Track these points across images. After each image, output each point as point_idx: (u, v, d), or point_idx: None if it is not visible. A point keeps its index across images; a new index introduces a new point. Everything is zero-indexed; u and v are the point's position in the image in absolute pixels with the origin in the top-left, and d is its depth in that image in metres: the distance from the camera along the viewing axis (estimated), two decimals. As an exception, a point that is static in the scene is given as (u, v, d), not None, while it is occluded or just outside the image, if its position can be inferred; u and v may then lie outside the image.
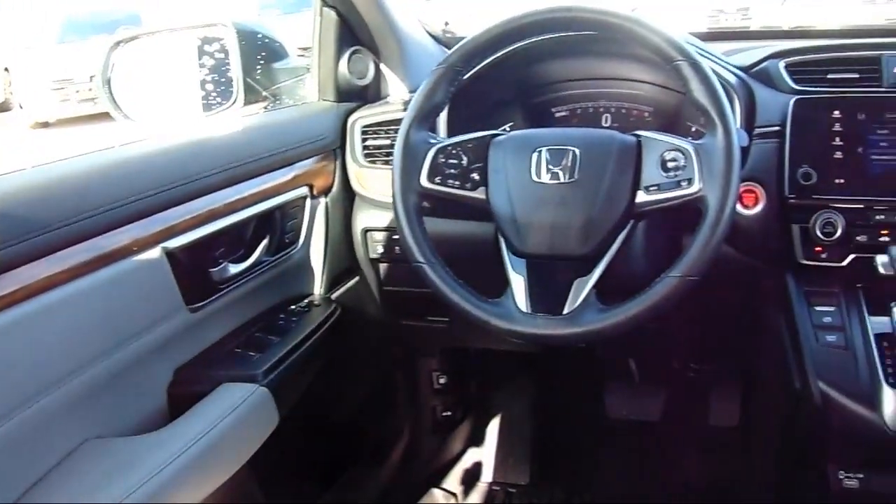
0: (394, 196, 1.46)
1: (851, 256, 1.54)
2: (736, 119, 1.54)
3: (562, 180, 1.38)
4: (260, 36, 2.22)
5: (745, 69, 1.72)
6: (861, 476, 1.62)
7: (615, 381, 2.54)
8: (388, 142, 1.81)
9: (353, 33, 1.91)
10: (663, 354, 2.25)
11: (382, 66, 1.96)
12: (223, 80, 1.82)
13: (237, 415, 1.45)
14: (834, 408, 1.48)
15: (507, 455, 2.52)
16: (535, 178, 1.39)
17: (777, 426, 1.94)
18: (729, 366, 2.31)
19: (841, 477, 1.63)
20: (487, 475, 2.51)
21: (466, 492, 2.45)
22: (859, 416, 1.45)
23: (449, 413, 2.46)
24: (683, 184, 1.33)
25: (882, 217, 1.53)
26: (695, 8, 2.24)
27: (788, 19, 2.14)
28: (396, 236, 1.62)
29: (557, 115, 1.82)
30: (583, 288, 1.36)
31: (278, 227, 1.73)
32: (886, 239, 1.53)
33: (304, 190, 1.78)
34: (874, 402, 1.44)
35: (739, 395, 2.40)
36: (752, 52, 1.76)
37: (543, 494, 2.45)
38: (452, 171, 1.45)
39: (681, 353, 2.23)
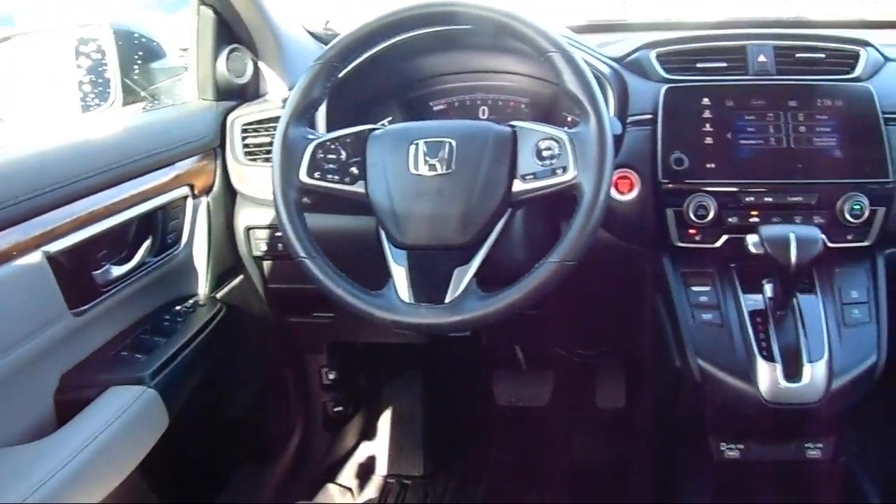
0: (274, 193, 1.47)
1: (724, 237, 1.62)
2: (609, 108, 1.62)
3: (439, 172, 1.41)
4: (137, 35, 2.20)
5: (618, 60, 1.79)
6: (741, 447, 1.72)
7: (503, 368, 2.59)
8: (267, 139, 1.82)
9: (230, 31, 1.92)
10: (549, 340, 2.30)
11: (261, 64, 1.97)
12: (100, 80, 1.81)
13: (126, 418, 1.45)
14: (712, 383, 1.56)
15: (401, 447, 2.54)
16: (412, 170, 1.42)
17: (661, 404, 2.01)
18: (613, 349, 2.38)
19: (723, 448, 1.72)
20: (382, 468, 2.54)
21: (362, 486, 2.48)
22: (736, 390, 1.54)
23: (340, 408, 2.47)
24: (559, 171, 1.37)
25: (752, 199, 1.61)
26: (574, 2, 2.29)
27: (664, 12, 2.21)
28: (279, 233, 1.64)
29: (435, 108, 1.85)
30: (463, 277, 1.40)
31: (160, 227, 1.73)
32: (756, 219, 1.61)
33: (185, 190, 1.77)
34: (750, 376, 1.52)
35: (624, 376, 2.48)
36: (626, 43, 1.83)
37: (438, 484, 2.48)
38: (331, 166, 1.47)
39: (566, 338, 2.30)
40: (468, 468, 2.52)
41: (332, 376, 2.40)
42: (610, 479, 2.30)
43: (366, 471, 2.53)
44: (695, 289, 1.63)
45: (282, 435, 2.39)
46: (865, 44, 1.78)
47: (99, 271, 1.57)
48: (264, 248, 1.91)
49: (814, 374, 1.51)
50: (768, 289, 1.57)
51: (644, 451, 2.20)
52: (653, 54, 1.76)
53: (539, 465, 2.46)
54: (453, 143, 1.43)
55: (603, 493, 2.28)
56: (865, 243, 1.63)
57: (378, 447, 2.58)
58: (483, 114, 1.85)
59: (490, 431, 2.60)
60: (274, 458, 2.35)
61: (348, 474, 2.51)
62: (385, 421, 2.59)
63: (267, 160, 1.81)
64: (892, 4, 2.28)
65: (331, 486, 2.45)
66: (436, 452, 2.56)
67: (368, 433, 2.60)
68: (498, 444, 2.58)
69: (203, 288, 1.88)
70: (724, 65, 1.73)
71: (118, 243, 1.65)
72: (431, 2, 1.46)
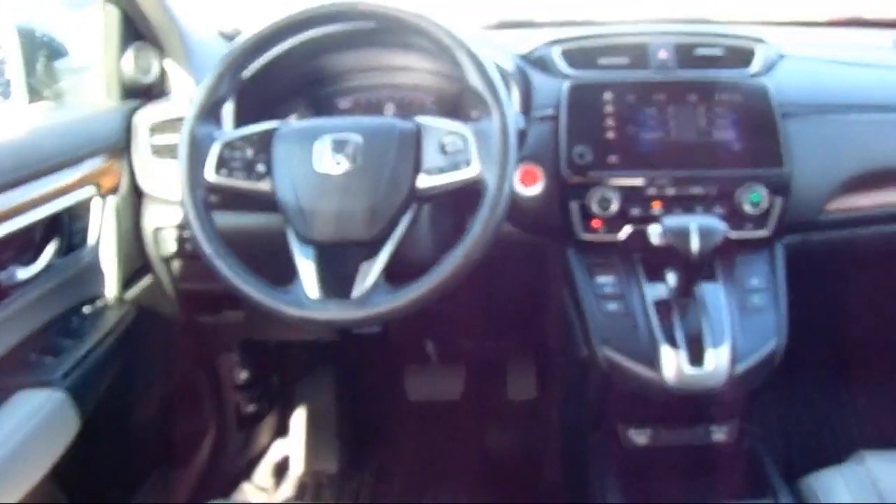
0: (181, 192, 1.47)
1: (627, 229, 1.66)
2: (513, 103, 1.65)
3: (345, 168, 1.42)
4: (40, 34, 2.18)
5: (523, 56, 1.82)
6: (649, 432, 1.77)
7: (414, 363, 2.62)
8: (174, 139, 1.81)
9: (136, 29, 1.90)
10: (459, 334, 2.34)
11: (168, 63, 1.96)
12: (1, 80, 1.79)
13: (35, 422, 1.44)
14: (619, 371, 1.60)
15: (315, 445, 2.55)
16: (318, 167, 1.43)
17: (570, 394, 2.05)
18: (523, 341, 2.42)
19: (631, 435, 1.77)
20: (297, 466, 2.54)
21: (277, 484, 2.48)
22: (642, 377, 1.58)
23: (253, 407, 2.47)
24: (462, 166, 1.40)
25: (653, 191, 1.66)
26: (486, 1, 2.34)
27: (572, 10, 2.26)
28: (187, 233, 1.64)
29: (341, 106, 1.86)
30: (370, 271, 1.41)
31: (67, 228, 1.71)
32: (658, 211, 1.66)
33: (91, 190, 1.75)
34: (655, 363, 1.56)
35: (535, 368, 2.53)
36: (531, 41, 1.86)
37: (353, 480, 2.50)
38: (238, 163, 1.47)
39: (475, 332, 2.33)
40: (383, 463, 2.54)
41: (244, 376, 2.40)
42: (523, 469, 2.34)
43: (280, 469, 2.53)
44: (599, 279, 1.66)
45: (195, 436, 2.38)
46: (761, 40, 1.85)
47: (3, 274, 1.55)
48: (173, 247, 1.90)
49: (716, 359, 1.55)
50: (671, 278, 1.61)
51: (555, 441, 2.24)
52: (556, 51, 1.80)
53: (453, 458, 2.49)
54: (359, 139, 1.44)
55: (516, 482, 2.32)
56: (764, 232, 1.69)
57: (292, 445, 2.58)
58: (389, 111, 1.86)
59: (403, 426, 2.63)
60: (187, 459, 2.34)
61: (263, 473, 2.51)
62: (299, 419, 2.60)
63: (173, 159, 1.80)
64: (787, 4, 2.36)
65: (246, 486, 2.45)
66: (350, 449, 2.57)
67: (282, 431, 2.61)
68: (412, 438, 2.60)
69: (112, 289, 1.86)
70: (626, 61, 1.77)
71: (23, 245, 1.63)
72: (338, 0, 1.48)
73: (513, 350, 2.48)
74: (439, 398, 2.60)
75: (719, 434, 1.79)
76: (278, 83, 1.81)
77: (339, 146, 1.44)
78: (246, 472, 2.48)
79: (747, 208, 1.66)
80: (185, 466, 2.31)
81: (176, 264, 1.94)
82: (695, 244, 1.48)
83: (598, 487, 1.72)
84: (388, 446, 2.58)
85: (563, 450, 2.13)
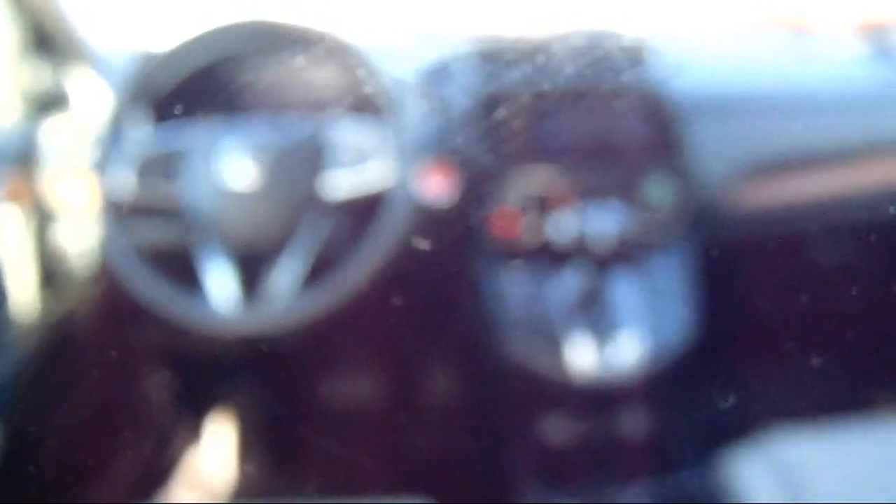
0: (93, 205, 1.51)
1: (534, 228, 1.72)
2: (417, 112, 1.69)
3: (254, 178, 1.46)
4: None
5: (428, 66, 1.88)
6: (565, 424, 1.82)
7: (330, 370, 2.63)
8: (83, 152, 1.81)
9: (42, 44, 1.90)
10: (373, 340, 2.36)
11: (75, 77, 1.95)
12: None
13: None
14: (536, 365, 1.67)
15: (243, 457, 2.55)
16: (228, 177, 1.47)
17: (487, 393, 2.09)
18: (437, 343, 2.45)
19: (549, 427, 1.82)
20: (224, 480, 2.54)
21: (193, 497, 2.47)
22: (559, 370, 1.65)
23: (170, 421, 2.46)
24: (367, 173, 1.46)
25: (559, 190, 1.72)
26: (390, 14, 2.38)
27: (483, 23, 2.31)
28: (99, 246, 1.64)
29: (251, 118, 1.88)
30: (281, 278, 1.46)
31: None
32: (567, 209, 1.71)
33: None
34: (570, 356, 1.64)
35: (451, 369, 2.56)
36: (438, 52, 1.93)
37: (271, 490, 2.51)
38: (150, 175, 1.50)
39: (390, 336, 2.36)
40: (301, 472, 2.54)
41: (162, 391, 2.38)
42: (444, 471, 2.36)
43: (196, 482, 2.52)
44: (507, 278, 1.72)
45: (118, 453, 2.36)
46: (661, 45, 1.93)
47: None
48: (85, 262, 1.90)
49: (627, 349, 1.63)
50: (581, 274, 1.67)
51: (475, 440, 2.27)
52: (461, 62, 1.86)
53: (373, 464, 2.51)
54: (267, 149, 1.49)
55: (438, 482, 2.34)
56: (669, 227, 1.76)
57: (208, 457, 2.57)
58: (297, 121, 1.87)
59: (329, 432, 2.63)
60: (111, 477, 2.32)
61: (190, 489, 2.50)
62: (214, 430, 2.59)
63: (83, 173, 1.80)
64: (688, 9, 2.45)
65: (161, 500, 2.43)
66: (278, 458, 2.57)
67: (198, 443, 2.60)
68: (337, 444, 2.60)
69: (23, 304, 1.85)
70: (529, 69, 1.82)
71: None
72: (244, 16, 1.54)
73: (428, 353, 2.50)
74: (361, 402, 2.61)
75: (637, 422, 1.84)
76: (189, 98, 1.81)
77: (247, 157, 1.48)
78: (172, 489, 2.46)
79: (653, 205, 1.73)
80: (100, 489, 2.29)
81: (89, 278, 1.93)
82: (602, 241, 1.53)
83: (518, 483, 1.77)
84: (307, 455, 2.58)
85: (483, 449, 2.16)
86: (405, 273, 1.64)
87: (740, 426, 2.54)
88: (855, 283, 2.23)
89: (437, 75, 1.85)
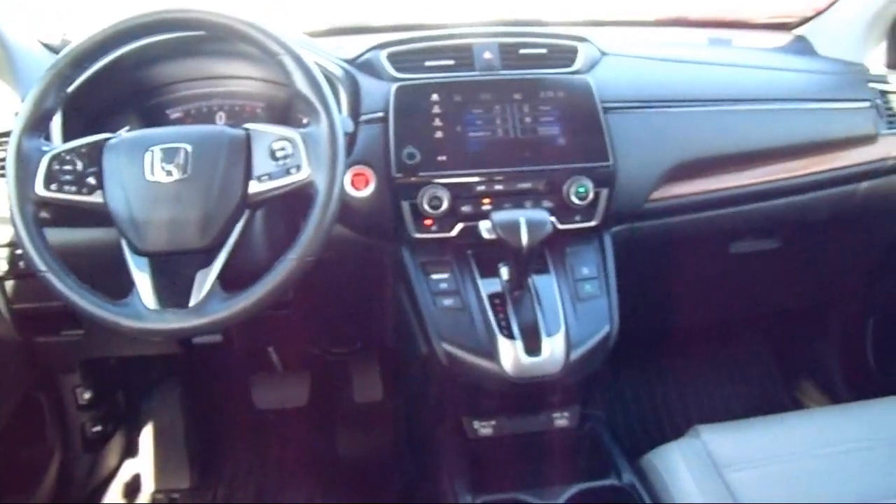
0: (10, 208, 1.45)
1: (459, 226, 1.72)
2: (341, 107, 1.69)
3: (176, 177, 1.43)
4: None
5: (351, 61, 1.86)
6: (493, 423, 1.82)
7: (259, 372, 2.63)
8: (2, 155, 1.80)
9: None
10: (301, 340, 2.36)
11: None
12: None
13: None
14: (459, 365, 1.66)
15: (166, 461, 2.53)
16: (149, 177, 1.44)
17: (415, 391, 2.09)
18: (366, 344, 2.45)
19: (476, 426, 1.82)
20: (148, 485, 2.51)
21: None
22: (482, 369, 1.64)
23: (99, 428, 2.42)
24: (293, 171, 1.44)
25: (483, 188, 1.72)
26: (316, 7, 2.37)
27: (401, 15, 2.31)
28: (20, 251, 1.62)
29: (172, 116, 1.86)
30: (206, 279, 1.43)
31: None
32: (488, 207, 1.72)
33: None
34: (493, 355, 1.63)
35: (379, 369, 2.57)
36: (358, 45, 1.90)
37: (207, 495, 2.49)
38: (68, 177, 1.46)
39: (318, 337, 2.35)
40: (235, 474, 2.54)
41: (87, 395, 2.35)
42: (375, 469, 2.38)
43: (132, 489, 2.50)
44: (434, 277, 1.71)
45: (39, 461, 2.34)
46: (583, 39, 1.94)
47: None
48: (5, 267, 1.87)
49: (552, 347, 1.63)
50: (504, 271, 1.67)
51: (404, 438, 2.28)
52: (383, 54, 1.85)
53: (304, 465, 2.51)
54: (188, 148, 1.45)
55: (369, 483, 2.35)
56: (592, 223, 1.77)
57: (142, 463, 2.56)
58: (220, 120, 1.87)
59: (254, 435, 2.63)
60: (33, 486, 2.29)
61: (114, 495, 2.48)
62: (147, 436, 2.58)
63: (0, 176, 1.77)
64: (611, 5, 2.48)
65: (96, 510, 2.42)
66: (201, 462, 2.56)
67: (131, 450, 2.58)
68: (262, 447, 2.60)
69: None
70: (452, 62, 1.84)
71: None
72: (163, 8, 1.49)
73: (356, 352, 2.51)
74: (286, 405, 2.61)
75: (561, 420, 1.85)
76: (107, 94, 1.79)
77: (168, 156, 1.45)
78: (95, 495, 2.44)
79: (574, 201, 1.74)
80: (30, 494, 2.27)
81: (10, 284, 1.90)
82: (524, 237, 1.54)
83: (446, 482, 1.76)
84: (239, 457, 2.58)
85: (412, 447, 2.17)
86: (334, 273, 1.64)
87: (669, 419, 2.61)
88: (778, 277, 2.29)
89: (361, 69, 1.85)
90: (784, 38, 2.41)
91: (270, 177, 1.45)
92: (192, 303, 1.43)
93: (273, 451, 2.58)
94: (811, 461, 1.63)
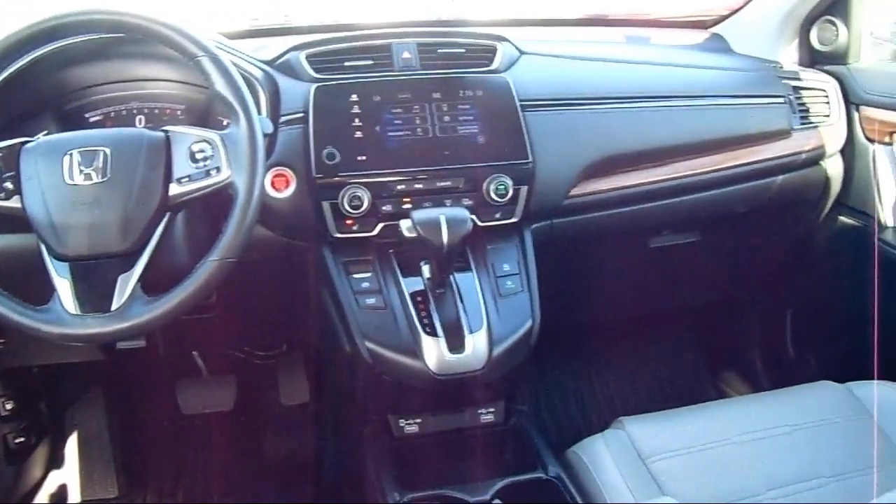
0: None
1: (380, 225, 1.74)
2: (261, 108, 1.70)
3: (95, 181, 1.43)
4: None
5: (270, 62, 1.88)
6: (419, 420, 1.84)
7: (185, 377, 2.62)
8: None
9: None
10: (226, 344, 2.36)
11: None
12: None
13: None
14: (383, 363, 1.69)
15: (92, 470, 2.51)
16: (68, 180, 1.43)
17: (341, 391, 2.12)
18: (291, 346, 2.46)
19: (402, 425, 1.84)
20: (74, 495, 2.49)
21: None
22: (406, 367, 1.67)
23: (22, 439, 2.39)
24: (213, 172, 1.45)
25: (403, 186, 1.75)
26: (236, 10, 2.37)
27: (320, 16, 2.33)
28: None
29: (91, 119, 1.85)
30: (128, 283, 1.44)
31: None
32: (409, 206, 1.74)
33: None
34: (417, 352, 1.66)
35: (305, 371, 2.58)
36: (277, 46, 1.92)
37: (134, 502, 2.49)
38: None
39: (243, 340, 2.36)
40: (163, 481, 2.53)
41: (9, 406, 2.32)
42: (302, 471, 2.38)
43: (57, 500, 2.48)
44: (356, 276, 1.73)
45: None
46: (502, 39, 1.98)
47: None
48: None
49: (475, 344, 1.67)
50: (426, 269, 1.71)
51: (332, 439, 2.29)
52: (302, 55, 1.86)
53: (233, 469, 2.51)
54: (107, 151, 1.46)
55: (297, 486, 2.36)
56: (513, 220, 1.81)
57: (68, 474, 2.53)
58: (140, 123, 1.86)
59: (181, 441, 2.62)
60: None
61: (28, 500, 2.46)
62: (72, 445, 2.55)
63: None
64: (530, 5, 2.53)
65: (21, 524, 2.39)
66: (128, 470, 2.55)
67: (56, 461, 2.55)
68: (189, 453, 2.59)
69: None
70: (371, 62, 1.86)
71: None
72: (79, 10, 1.49)
73: (282, 355, 2.51)
74: (213, 409, 2.61)
75: (487, 416, 1.88)
76: (24, 97, 1.77)
77: (87, 159, 1.45)
78: (6, 495, 2.42)
79: (494, 198, 1.77)
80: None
81: None
82: (444, 235, 1.57)
83: (374, 481, 1.78)
84: (166, 464, 2.57)
85: (340, 448, 2.18)
86: (256, 275, 1.65)
87: (595, 412, 2.66)
88: (697, 270, 2.35)
89: (280, 71, 1.86)
90: (700, 36, 2.48)
91: (190, 179, 1.46)
92: (113, 307, 1.43)
93: (200, 457, 2.57)
94: (732, 448, 1.68)
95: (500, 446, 1.89)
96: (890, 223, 2.19)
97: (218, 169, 1.45)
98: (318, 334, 1.97)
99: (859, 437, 1.70)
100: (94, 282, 1.45)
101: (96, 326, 1.42)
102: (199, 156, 1.47)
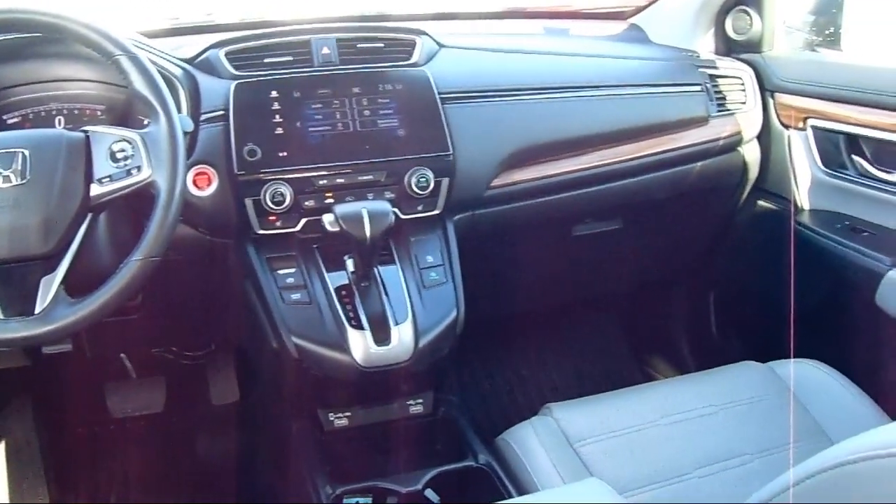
0: None
1: (303, 220, 1.76)
2: (181, 107, 1.71)
3: (13, 183, 1.42)
4: None
5: (189, 60, 1.88)
6: (348, 414, 1.87)
7: (113, 380, 2.61)
8: None
9: None
10: (153, 345, 2.36)
11: None
12: None
13: None
14: (310, 358, 1.71)
15: (21, 479, 2.47)
16: None
17: (270, 388, 2.14)
18: (219, 345, 2.46)
19: (331, 418, 1.86)
20: None
21: None
22: (333, 360, 1.70)
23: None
24: (134, 172, 1.45)
25: (325, 181, 1.77)
26: (157, 8, 2.36)
27: (246, 14, 2.33)
28: None
29: (9, 121, 1.82)
30: (51, 286, 1.43)
31: None
32: (331, 200, 1.76)
33: None
34: (343, 346, 1.69)
35: (234, 369, 2.59)
36: (197, 44, 1.92)
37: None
38: None
39: (170, 341, 2.35)
40: (95, 486, 2.51)
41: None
42: (235, 470, 2.38)
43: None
44: (281, 272, 1.75)
45: None
46: (421, 33, 2.01)
47: None
48: None
49: (401, 335, 1.71)
50: (350, 263, 1.74)
51: (263, 436, 2.30)
52: (222, 53, 1.87)
53: (165, 471, 2.50)
54: (26, 153, 1.45)
55: (231, 484, 2.36)
56: (435, 212, 1.85)
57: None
58: (59, 124, 1.84)
59: (111, 445, 2.60)
60: None
61: None
62: (0, 454, 2.54)
63: None
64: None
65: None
66: (59, 477, 2.52)
67: None
68: (121, 456, 2.58)
69: None
70: (291, 58, 1.87)
71: None
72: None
73: (211, 354, 2.51)
74: (143, 412, 2.60)
75: (416, 406, 1.91)
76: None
77: (5, 161, 1.44)
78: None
79: (416, 191, 1.80)
80: None
81: None
82: (367, 228, 1.60)
83: (306, 476, 1.80)
84: (98, 469, 2.55)
85: (271, 445, 2.19)
86: (181, 273, 1.66)
87: (524, 399, 2.70)
88: (621, 257, 2.40)
89: (199, 69, 1.87)
90: (619, 26, 2.54)
91: (111, 179, 1.46)
92: (37, 310, 1.42)
93: (132, 460, 2.57)
94: (658, 429, 1.73)
95: (430, 436, 1.93)
96: (806, 206, 2.26)
97: (139, 168, 1.45)
98: (245, 332, 1.99)
99: (781, 414, 1.76)
100: (16, 285, 1.45)
101: (20, 330, 1.41)
102: (119, 155, 1.46)
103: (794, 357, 1.90)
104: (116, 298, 1.43)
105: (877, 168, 2.10)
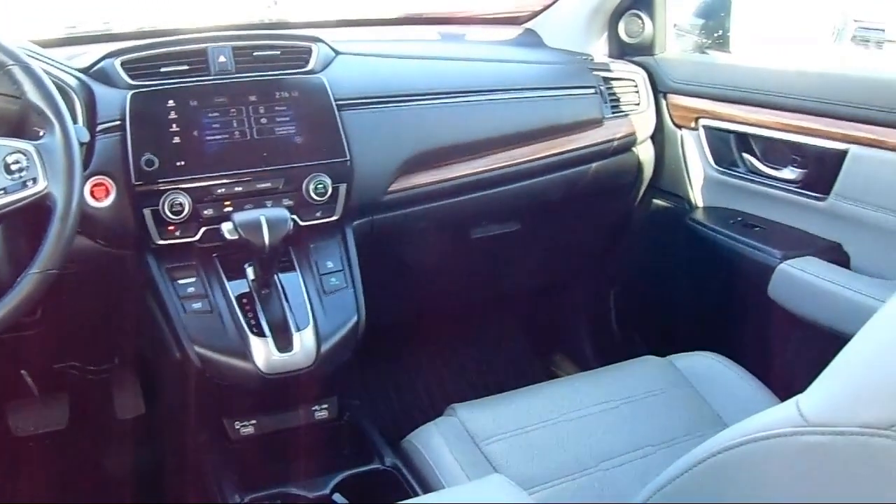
0: None
1: (202, 230, 1.77)
2: (76, 117, 1.70)
3: None
4: None
5: (85, 70, 1.88)
6: (254, 422, 1.89)
7: (15, 399, 2.57)
8: None
9: None
10: (55, 360, 2.33)
11: None
12: None
13: None
14: (213, 367, 1.73)
15: None
16: None
17: (175, 399, 2.13)
18: (122, 357, 2.44)
19: (237, 427, 1.88)
20: None
21: None
22: (236, 369, 1.72)
23: None
24: (29, 184, 1.44)
25: (223, 190, 1.78)
26: (52, 18, 2.34)
27: (143, 23, 2.33)
28: None
29: None
30: None
31: None
32: (230, 208, 1.78)
33: None
34: (246, 354, 1.71)
35: (139, 382, 2.57)
36: (93, 53, 1.92)
37: None
38: None
39: (72, 356, 2.33)
40: None
41: None
42: (143, 484, 2.37)
43: None
44: (181, 282, 1.76)
45: None
46: (317, 40, 2.03)
47: None
48: None
49: (303, 341, 1.73)
50: (250, 271, 1.75)
51: (170, 448, 2.30)
52: (117, 62, 1.86)
53: (72, 488, 2.48)
54: None
55: (139, 498, 2.35)
56: (334, 218, 1.88)
57: None
58: None
59: (15, 465, 2.57)
60: None
61: None
62: None
63: None
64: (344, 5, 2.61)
65: None
66: None
67: None
68: (25, 476, 2.55)
69: None
70: (187, 67, 1.88)
71: None
72: None
73: (114, 368, 2.49)
74: (47, 429, 2.56)
75: (321, 412, 1.94)
76: None
77: None
78: None
79: (314, 197, 1.83)
80: None
81: None
82: (266, 236, 1.63)
83: (214, 485, 1.81)
84: (2, 490, 2.51)
85: (178, 457, 2.19)
86: (81, 287, 1.66)
87: (429, 402, 2.74)
88: (521, 258, 2.46)
89: (95, 78, 1.86)
90: (514, 31, 2.60)
91: (6, 191, 1.44)
92: None
93: (37, 479, 2.53)
94: (563, 425, 1.77)
95: (336, 441, 1.95)
96: (700, 203, 2.35)
97: (34, 180, 1.44)
98: (148, 344, 1.99)
99: (682, 405, 1.83)
100: None
101: None
102: (14, 167, 1.45)
103: (693, 350, 1.96)
104: (14, 313, 1.42)
105: (766, 165, 2.19)
